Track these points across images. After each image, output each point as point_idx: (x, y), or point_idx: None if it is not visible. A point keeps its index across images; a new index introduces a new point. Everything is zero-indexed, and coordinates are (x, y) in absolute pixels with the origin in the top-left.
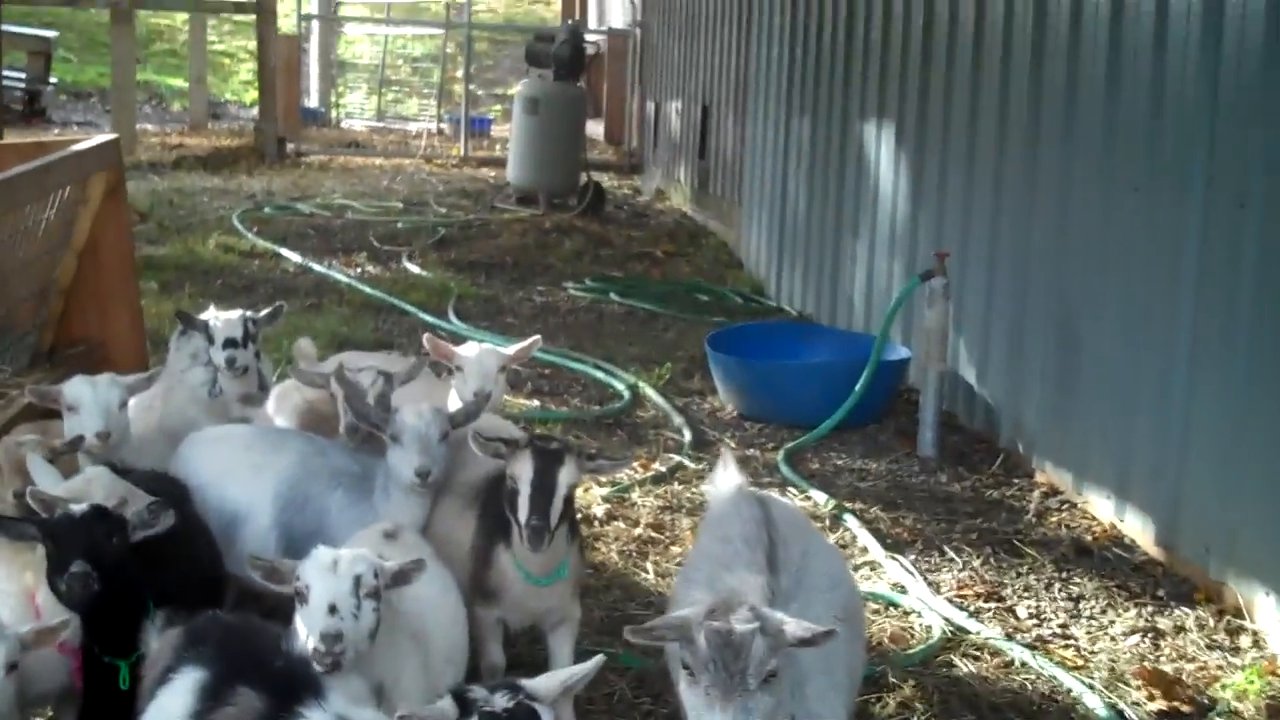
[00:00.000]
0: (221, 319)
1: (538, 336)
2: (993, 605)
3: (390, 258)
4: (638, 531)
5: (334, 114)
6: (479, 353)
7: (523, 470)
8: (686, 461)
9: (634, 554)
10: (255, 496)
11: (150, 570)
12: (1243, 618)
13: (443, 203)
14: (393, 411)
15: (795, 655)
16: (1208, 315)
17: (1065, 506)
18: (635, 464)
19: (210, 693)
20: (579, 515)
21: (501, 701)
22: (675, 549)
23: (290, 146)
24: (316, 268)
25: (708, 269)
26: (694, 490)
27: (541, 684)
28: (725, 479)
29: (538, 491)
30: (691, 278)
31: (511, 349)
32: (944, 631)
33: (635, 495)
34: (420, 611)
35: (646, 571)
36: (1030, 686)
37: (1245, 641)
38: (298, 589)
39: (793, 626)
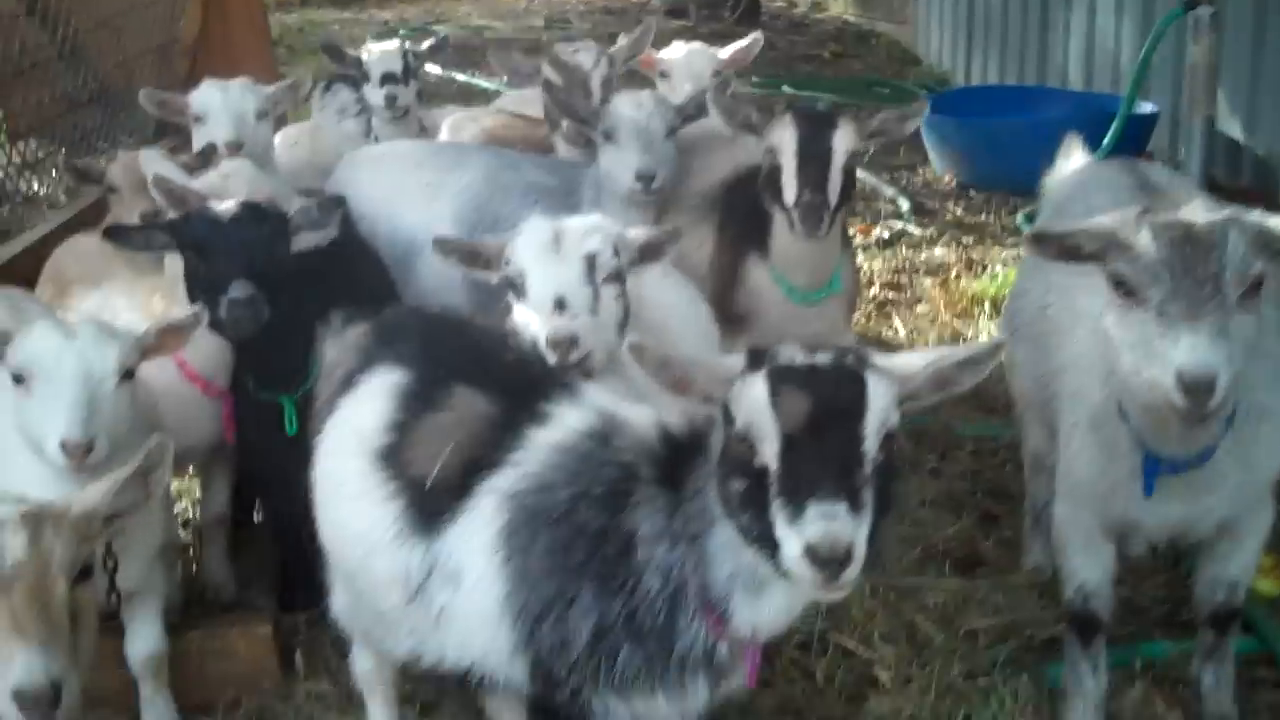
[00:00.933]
0: (378, 51)
1: (758, 34)
2: None
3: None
4: (874, 292)
5: None
6: (687, 53)
7: (785, 139)
8: (911, 228)
9: (874, 314)
10: (433, 221)
11: (313, 295)
12: None
13: (587, 20)
14: (606, 103)
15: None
16: None
17: None
18: (853, 229)
19: (415, 396)
20: None
21: (813, 359)
22: (920, 308)
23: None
24: (460, 77)
25: (883, 67)
26: (925, 255)
27: (896, 360)
28: (1070, 163)
29: (807, 161)
30: (868, 74)
31: (726, 50)
32: None
33: (861, 259)
34: (665, 322)
35: (895, 330)
36: None
37: None
38: (509, 278)
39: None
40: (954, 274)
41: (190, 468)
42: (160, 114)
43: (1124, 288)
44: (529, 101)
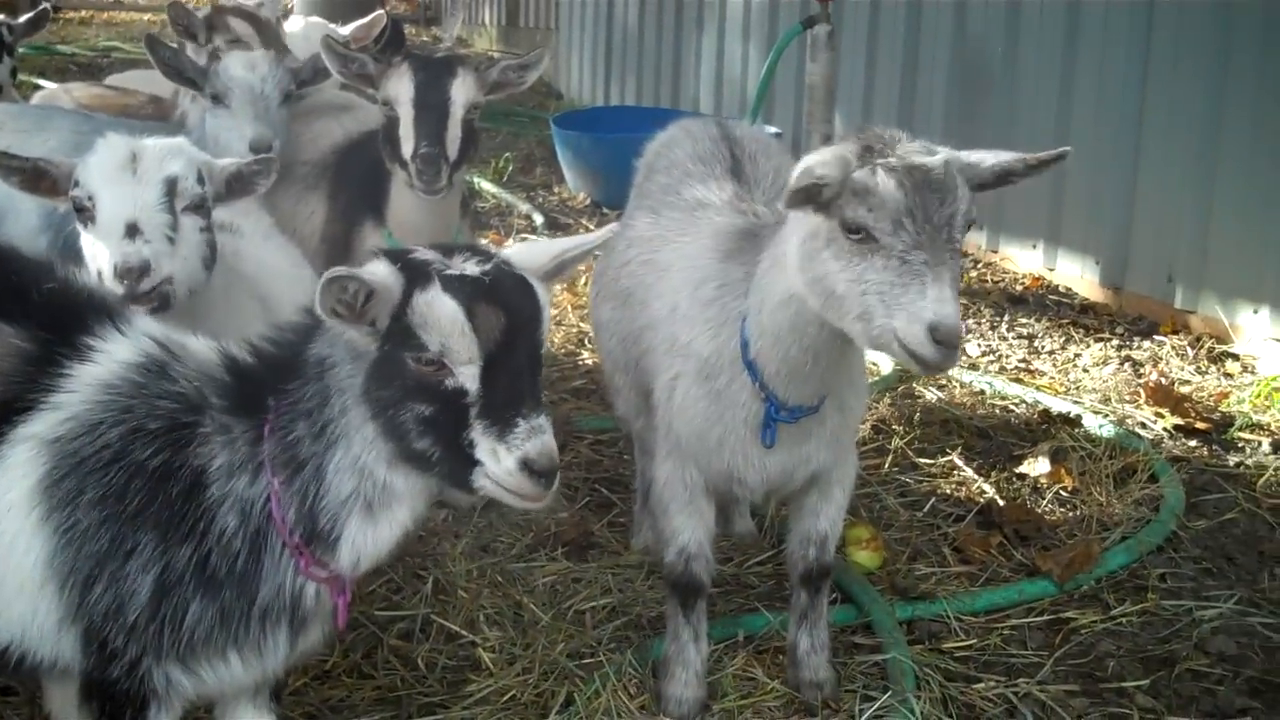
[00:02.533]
0: None
1: (382, 12)
2: None
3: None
4: None
5: None
6: (305, 25)
7: (402, 89)
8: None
9: None
10: (12, 190)
11: None
12: (1226, 342)
13: None
14: (215, 62)
15: None
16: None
17: (979, 265)
18: (486, 238)
19: None
20: None
21: (470, 266)
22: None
23: (46, 3)
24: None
25: (524, 99)
26: None
27: (524, 251)
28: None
29: (425, 111)
30: (506, 104)
31: (348, 27)
32: (895, 368)
33: None
34: (268, 282)
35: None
36: (1014, 410)
37: (1234, 366)
38: (78, 201)
39: (988, 156)
40: (583, 281)
41: None
42: None
43: (860, 233)
44: (146, 80)
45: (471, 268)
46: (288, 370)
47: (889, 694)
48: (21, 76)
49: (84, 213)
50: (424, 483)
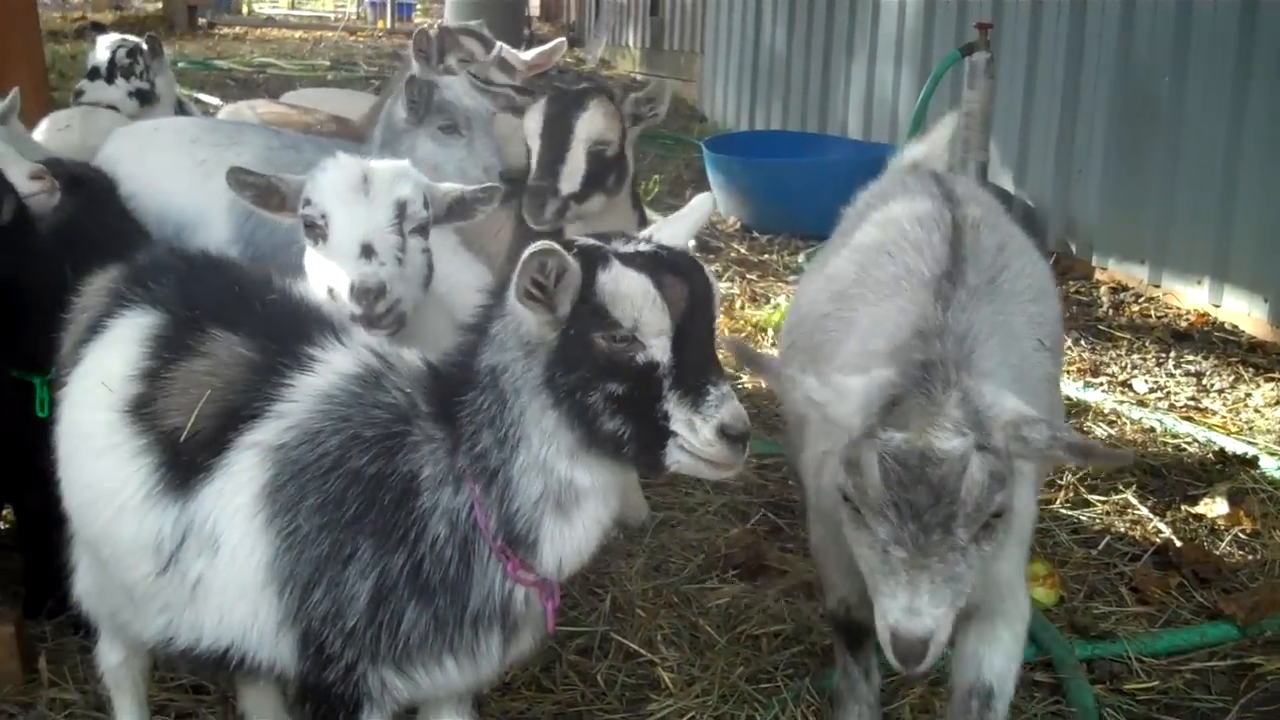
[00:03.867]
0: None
1: (563, 39)
2: (1103, 379)
3: None
4: None
5: (245, 7)
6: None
7: (534, 122)
8: None
9: None
10: (206, 201)
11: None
12: None
13: (374, 64)
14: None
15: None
16: None
17: (1141, 300)
18: None
19: (167, 342)
20: None
21: (639, 245)
22: None
23: (202, 20)
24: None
25: (668, 122)
26: None
27: (667, 233)
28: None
29: (546, 144)
30: (652, 128)
31: (530, 53)
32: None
33: None
34: (457, 299)
35: None
36: (1186, 449)
37: None
38: (309, 220)
39: (1040, 432)
40: (739, 305)
41: None
42: None
43: (851, 504)
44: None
45: (641, 246)
46: (465, 384)
47: None
48: (183, 90)
49: (314, 230)
50: (606, 475)
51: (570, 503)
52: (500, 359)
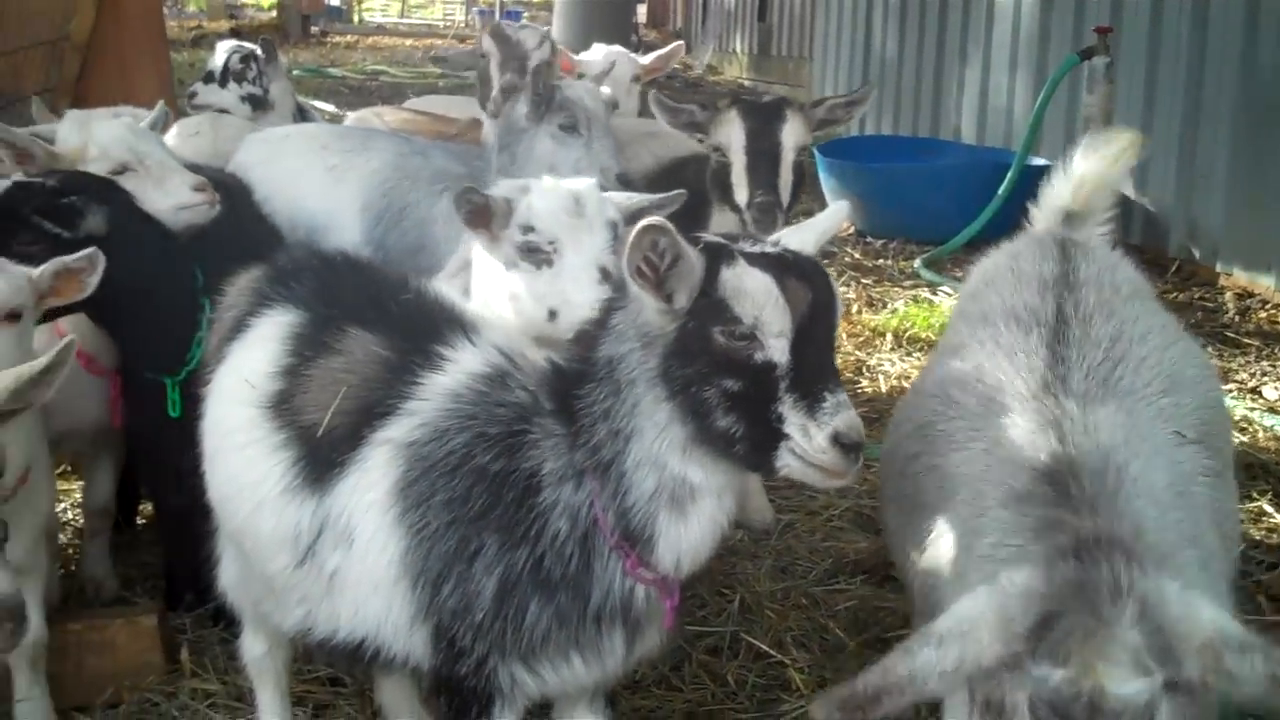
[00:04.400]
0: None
1: (680, 42)
2: (1232, 386)
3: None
4: None
5: (355, 16)
6: (606, 55)
7: (733, 136)
8: None
9: None
10: (337, 206)
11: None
12: None
13: None
14: (545, 89)
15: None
16: None
17: (1269, 306)
18: None
19: (307, 339)
20: None
21: (765, 247)
22: None
23: (315, 29)
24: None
25: None
26: None
27: (796, 239)
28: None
29: (757, 158)
30: None
31: (648, 57)
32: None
33: None
34: None
35: None
36: None
37: None
38: (532, 245)
39: (1255, 665)
40: (855, 309)
41: (69, 465)
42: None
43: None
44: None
45: (768, 248)
46: (585, 378)
47: None
48: (301, 98)
49: (537, 255)
50: (720, 473)
51: (685, 500)
52: (618, 350)
